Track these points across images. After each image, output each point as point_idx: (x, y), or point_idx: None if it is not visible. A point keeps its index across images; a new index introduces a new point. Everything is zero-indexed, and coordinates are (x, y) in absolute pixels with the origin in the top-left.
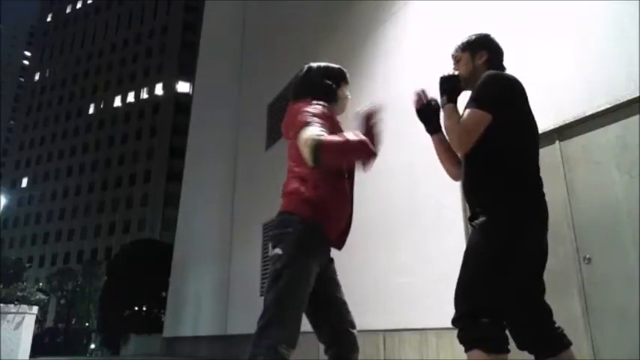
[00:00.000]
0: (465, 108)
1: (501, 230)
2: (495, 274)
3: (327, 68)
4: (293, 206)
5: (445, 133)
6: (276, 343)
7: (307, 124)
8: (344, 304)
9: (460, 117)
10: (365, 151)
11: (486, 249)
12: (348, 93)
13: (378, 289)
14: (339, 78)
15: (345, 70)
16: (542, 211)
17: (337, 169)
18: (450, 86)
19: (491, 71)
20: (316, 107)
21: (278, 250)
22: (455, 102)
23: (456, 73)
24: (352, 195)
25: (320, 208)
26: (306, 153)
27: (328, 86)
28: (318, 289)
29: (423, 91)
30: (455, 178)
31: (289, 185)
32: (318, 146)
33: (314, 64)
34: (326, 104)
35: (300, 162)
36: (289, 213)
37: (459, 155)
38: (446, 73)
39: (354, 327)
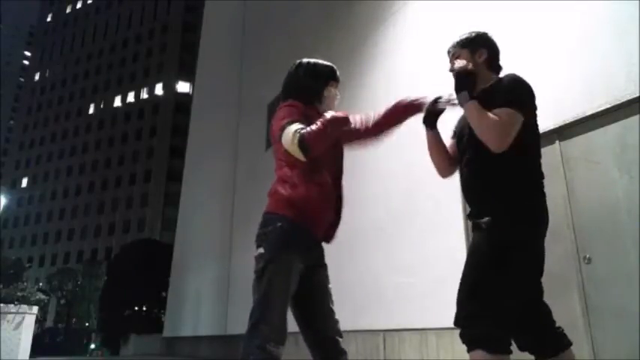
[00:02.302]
0: (490, 106)
1: (507, 231)
2: (499, 274)
3: (315, 66)
4: (273, 207)
5: (476, 129)
6: (264, 342)
7: (282, 127)
8: (331, 311)
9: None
10: (341, 123)
11: (491, 249)
12: (336, 92)
13: (378, 289)
14: (327, 77)
15: (335, 67)
16: (546, 213)
17: (316, 165)
18: (469, 82)
19: (516, 74)
20: (288, 108)
21: (260, 250)
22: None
23: (471, 67)
24: (340, 189)
25: (299, 207)
26: (294, 151)
27: (312, 86)
28: (307, 295)
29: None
30: (443, 173)
31: (271, 187)
32: (301, 139)
33: (304, 61)
34: (300, 104)
35: (279, 164)
36: (270, 213)
37: (449, 158)
38: (462, 69)
39: (340, 335)
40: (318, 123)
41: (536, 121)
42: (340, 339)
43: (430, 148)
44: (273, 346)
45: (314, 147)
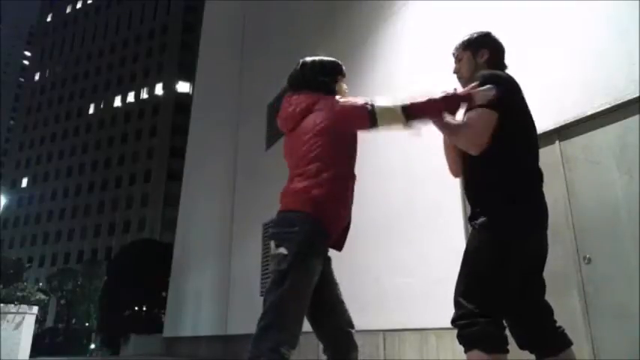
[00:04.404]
0: (468, 109)
1: (501, 231)
2: (495, 274)
3: (322, 63)
4: (299, 204)
5: (449, 136)
6: (277, 345)
7: (357, 101)
8: (342, 303)
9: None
10: (451, 102)
11: (486, 249)
12: (345, 86)
13: (378, 289)
14: (334, 72)
15: (340, 63)
16: (542, 212)
17: (345, 165)
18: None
19: (486, 71)
20: (333, 98)
21: (283, 250)
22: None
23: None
24: (353, 191)
25: (325, 208)
26: (392, 118)
27: (323, 83)
28: (318, 289)
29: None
30: (455, 173)
31: (295, 183)
32: (405, 107)
33: (308, 59)
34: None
35: (310, 159)
36: (295, 211)
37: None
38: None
39: (352, 326)
40: (424, 96)
41: (522, 115)
42: (352, 330)
43: (445, 146)
44: (286, 349)
45: (417, 115)
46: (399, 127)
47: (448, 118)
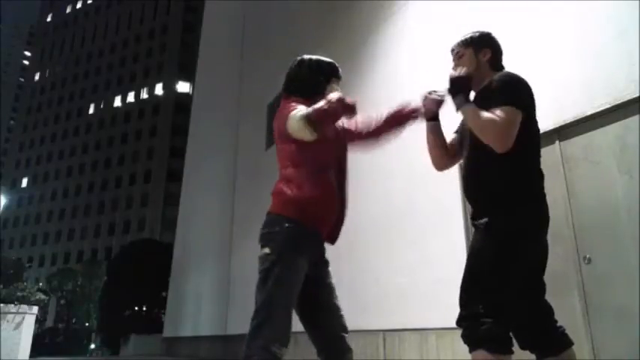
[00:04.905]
0: (483, 106)
1: (504, 231)
2: (499, 274)
3: (318, 62)
4: (278, 207)
5: (476, 131)
6: (268, 343)
7: (288, 117)
8: (337, 308)
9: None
10: (344, 106)
11: (490, 250)
12: (338, 88)
13: (379, 289)
14: (329, 73)
15: (336, 64)
16: (544, 212)
17: (321, 166)
18: (464, 86)
19: (511, 72)
20: (290, 104)
21: (266, 250)
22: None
23: (465, 73)
24: (344, 190)
25: (305, 207)
26: (301, 129)
27: (317, 82)
28: (312, 293)
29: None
30: (439, 167)
31: (276, 186)
32: (308, 114)
33: (306, 57)
34: (300, 99)
35: (285, 164)
36: (275, 214)
37: (446, 152)
38: (457, 73)
39: (345, 331)
40: (323, 101)
41: (535, 118)
42: (346, 335)
43: (428, 140)
44: (277, 347)
45: (320, 120)
46: (308, 135)
47: (482, 111)
